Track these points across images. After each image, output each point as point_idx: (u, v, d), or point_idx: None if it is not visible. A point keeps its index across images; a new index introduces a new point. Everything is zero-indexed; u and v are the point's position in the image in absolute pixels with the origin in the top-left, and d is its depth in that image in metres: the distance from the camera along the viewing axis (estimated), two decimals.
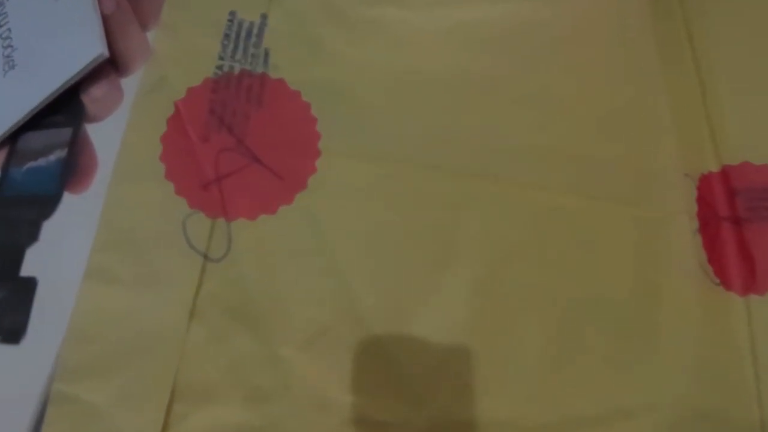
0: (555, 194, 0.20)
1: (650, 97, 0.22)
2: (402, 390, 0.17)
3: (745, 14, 0.24)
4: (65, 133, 0.20)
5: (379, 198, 0.18)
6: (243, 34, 0.20)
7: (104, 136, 0.20)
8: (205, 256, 0.18)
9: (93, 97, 0.20)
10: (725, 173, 0.23)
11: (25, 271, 0.18)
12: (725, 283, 0.21)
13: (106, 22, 0.21)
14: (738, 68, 0.23)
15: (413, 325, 0.17)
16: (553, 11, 0.22)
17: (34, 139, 0.20)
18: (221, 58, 0.20)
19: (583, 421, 0.17)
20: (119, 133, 0.19)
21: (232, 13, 0.20)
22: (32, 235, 0.18)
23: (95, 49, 0.20)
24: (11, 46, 0.21)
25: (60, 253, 0.18)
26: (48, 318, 0.18)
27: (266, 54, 0.20)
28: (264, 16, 0.20)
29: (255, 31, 0.20)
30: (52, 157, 0.20)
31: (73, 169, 0.19)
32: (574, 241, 0.19)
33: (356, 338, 0.17)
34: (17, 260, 0.18)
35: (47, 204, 0.19)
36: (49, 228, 0.19)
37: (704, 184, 0.22)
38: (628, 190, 0.20)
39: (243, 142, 0.19)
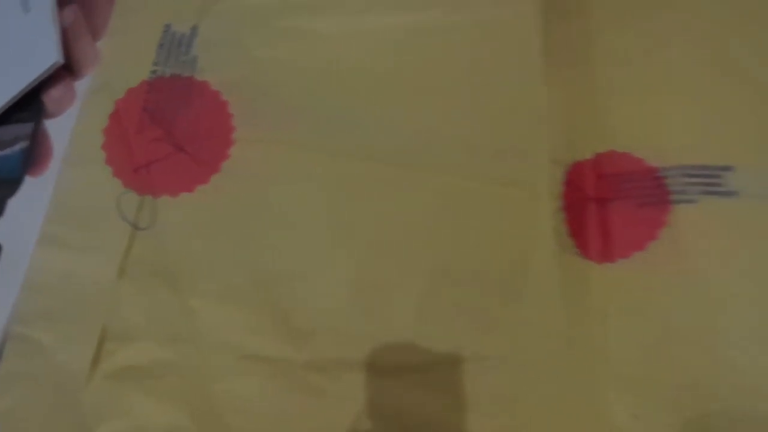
0: (440, 176, 0.23)
1: (532, 92, 0.25)
2: (289, 333, 0.20)
3: (631, 14, 0.27)
4: (28, 127, 0.24)
5: (284, 180, 0.22)
6: (175, 43, 0.24)
7: (59, 129, 0.24)
8: (134, 226, 0.22)
9: (51, 97, 0.24)
10: (597, 160, 0.26)
11: None
12: (585, 253, 0.24)
13: (64, 33, 0.25)
14: (622, 65, 0.26)
15: (306, 287, 0.21)
16: (452, 19, 0.26)
17: (2, 132, 0.24)
18: (156, 64, 0.24)
19: (441, 361, 0.21)
20: (71, 127, 0.24)
21: (167, 26, 0.24)
22: None
23: (53, 56, 0.25)
24: None
25: (20, 225, 0.22)
26: (9, 275, 0.22)
27: (194, 60, 0.24)
28: (194, 28, 0.24)
29: (185, 40, 0.24)
30: (17, 147, 0.24)
31: (33, 157, 0.23)
32: (453, 217, 0.23)
33: (257, 294, 0.21)
34: None
35: (12, 185, 0.23)
36: (12, 205, 0.23)
37: (576, 169, 0.26)
38: (503, 173, 0.24)
39: (170, 133, 0.23)
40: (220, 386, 0.20)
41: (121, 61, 0.24)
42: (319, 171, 0.22)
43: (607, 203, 0.25)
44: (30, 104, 0.25)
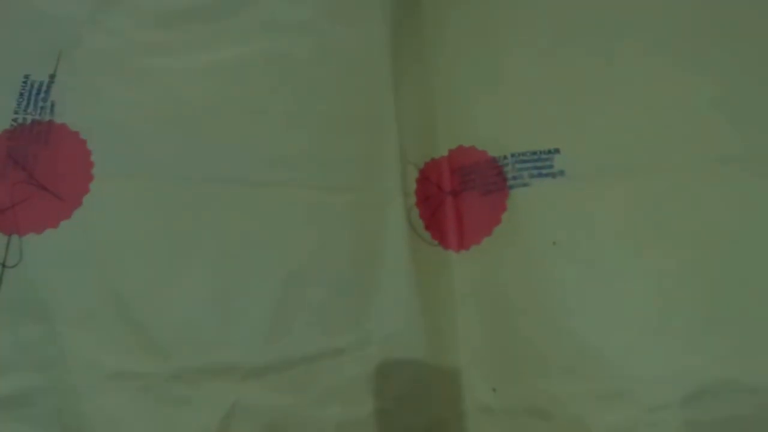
0: (289, 188, 0.25)
1: (380, 103, 0.27)
2: (151, 348, 0.22)
3: (481, 5, 0.29)
4: None
5: (140, 207, 0.24)
6: (34, 91, 0.25)
7: None
8: (2, 265, 0.23)
9: None
10: (450, 157, 0.28)
11: None
12: (444, 243, 0.26)
13: None
14: (461, 71, 0.29)
15: (163, 303, 0.22)
16: (299, 45, 0.28)
17: None
18: (16, 112, 0.25)
19: (299, 360, 0.22)
20: None
21: (26, 76, 0.26)
22: None
23: None
24: None
25: None
26: None
27: (52, 105, 0.25)
28: (52, 76, 0.26)
29: (44, 88, 0.25)
30: None
31: None
32: (304, 225, 0.24)
33: (119, 315, 0.22)
34: None
35: None
36: None
37: (430, 167, 0.28)
38: (354, 180, 0.26)
39: (32, 175, 0.24)
40: (92, 405, 0.21)
41: None
42: (170, 197, 0.24)
43: (459, 195, 0.27)
44: None
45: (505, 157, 0.26)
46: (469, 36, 0.29)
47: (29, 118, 0.25)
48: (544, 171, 0.25)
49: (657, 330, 0.21)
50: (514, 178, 0.26)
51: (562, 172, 0.25)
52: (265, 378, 0.22)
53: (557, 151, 0.25)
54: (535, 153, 0.25)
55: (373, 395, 0.23)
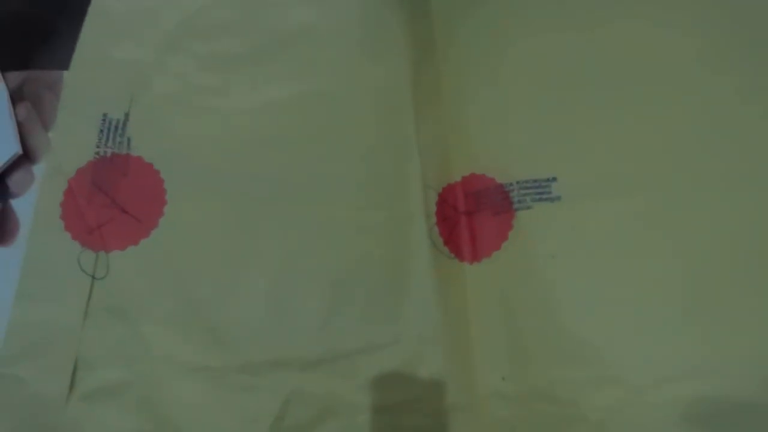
0: (331, 208, 0.29)
1: (404, 133, 0.32)
2: (221, 345, 0.26)
3: (490, 50, 0.34)
4: None
5: (208, 225, 0.28)
6: (112, 128, 0.30)
7: (23, 206, 0.29)
8: (93, 277, 0.27)
9: (14, 180, 0.29)
10: (463, 182, 0.33)
11: None
12: (459, 256, 0.31)
13: (20, 126, 0.30)
14: (472, 104, 0.33)
15: (230, 307, 0.27)
16: (332, 81, 0.32)
17: None
18: (98, 146, 0.29)
19: (345, 353, 0.27)
20: (33, 203, 0.29)
21: (105, 114, 0.30)
22: None
23: (13, 148, 0.30)
24: None
25: None
26: None
27: (129, 140, 0.30)
28: (127, 114, 0.30)
29: (120, 125, 0.30)
30: None
31: (3, 230, 0.28)
32: (343, 239, 0.29)
33: (193, 317, 0.27)
34: None
35: None
36: None
37: (447, 191, 0.32)
38: (384, 201, 0.30)
39: (114, 200, 0.28)
40: (172, 395, 0.26)
41: (69, 147, 0.29)
42: (232, 216, 0.28)
43: (473, 215, 0.32)
44: None
45: (511, 184, 0.31)
46: (479, 76, 0.34)
47: (109, 151, 0.30)
48: (544, 196, 0.30)
49: (641, 325, 0.26)
50: (519, 201, 0.30)
51: (559, 197, 0.29)
52: (317, 369, 0.26)
53: (555, 179, 0.30)
54: (536, 181, 0.30)
55: (403, 384, 0.27)
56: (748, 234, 0.26)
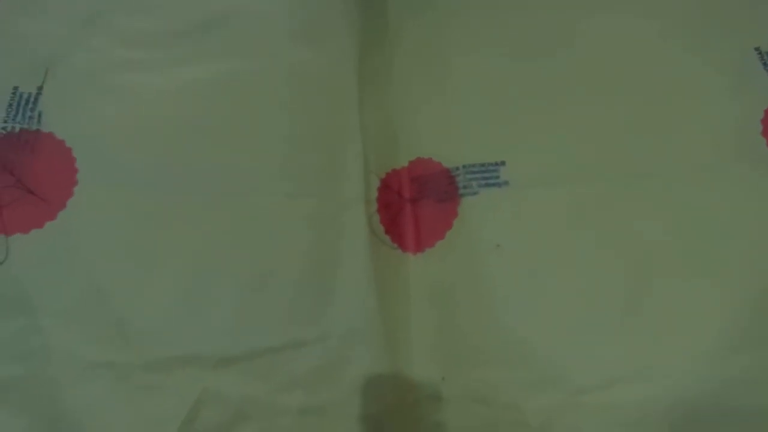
0: (258, 196, 0.27)
1: (346, 118, 0.30)
2: (126, 341, 0.23)
3: (440, 34, 0.32)
4: None
5: (120, 212, 0.26)
6: (23, 102, 0.27)
7: None
8: None
9: None
10: (410, 167, 0.30)
11: None
12: (401, 246, 0.29)
13: None
14: (418, 89, 0.31)
15: (139, 300, 0.24)
16: (268, 63, 0.30)
17: None
18: (5, 121, 0.27)
19: (264, 350, 0.24)
20: None
21: (15, 88, 0.28)
22: None
23: None
24: None
25: None
26: None
27: (40, 115, 0.27)
28: (39, 88, 0.28)
29: (32, 99, 0.27)
30: None
31: None
32: (272, 230, 0.26)
33: (98, 310, 0.24)
34: None
35: None
36: None
37: (391, 176, 0.30)
38: (318, 188, 0.28)
39: (20, 180, 0.26)
40: (70, 393, 0.23)
41: None
42: (148, 204, 0.26)
43: (417, 202, 0.30)
44: None
45: (457, 168, 0.29)
46: (426, 62, 0.32)
47: (18, 126, 0.27)
48: (491, 181, 0.28)
49: (582, 324, 0.24)
50: (465, 187, 0.28)
51: (506, 182, 0.27)
52: (232, 367, 0.24)
53: (503, 163, 0.28)
54: (483, 165, 0.28)
55: (332, 384, 0.25)
56: (692, 227, 0.25)
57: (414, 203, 0.30)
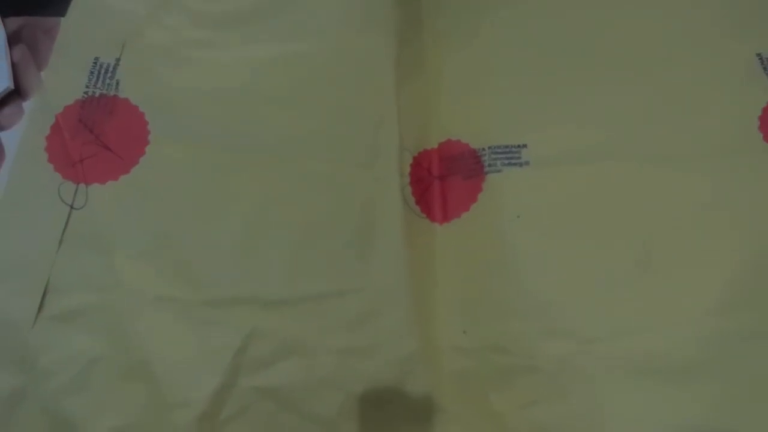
0: (310, 161, 0.30)
1: (385, 99, 0.33)
2: (189, 279, 0.27)
3: (470, 25, 0.35)
4: None
5: (187, 168, 0.29)
6: (102, 71, 0.31)
7: (11, 138, 0.30)
8: (71, 206, 0.28)
9: (4, 114, 0.30)
10: (440, 148, 0.34)
11: None
12: (430, 216, 0.32)
13: (14, 66, 0.31)
14: (449, 77, 0.34)
15: (201, 245, 0.27)
16: (319, 46, 0.33)
17: None
18: (87, 87, 0.31)
19: (309, 296, 0.27)
20: (20, 136, 0.30)
21: (96, 58, 0.31)
22: None
23: (4, 83, 0.31)
24: None
25: None
26: None
27: (117, 83, 0.31)
28: (117, 59, 0.31)
29: (111, 69, 0.31)
30: None
31: None
32: (318, 191, 0.30)
33: (164, 253, 0.27)
34: None
35: None
36: None
37: (423, 155, 0.33)
38: (359, 159, 0.31)
39: (99, 137, 0.29)
40: (137, 323, 0.26)
41: (59, 85, 0.31)
42: (212, 160, 0.29)
43: (445, 179, 0.33)
44: None
45: (483, 149, 0.32)
46: (459, 49, 0.35)
47: (98, 92, 0.31)
48: (513, 161, 0.31)
49: (592, 283, 0.27)
50: (490, 165, 0.31)
51: (527, 162, 0.31)
52: (280, 309, 0.27)
53: (525, 146, 0.31)
54: (507, 146, 0.31)
55: (365, 330, 0.28)
56: (697, 202, 0.28)
57: (442, 180, 0.33)
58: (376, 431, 0.26)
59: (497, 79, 0.33)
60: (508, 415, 0.26)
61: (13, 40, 0.33)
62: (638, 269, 0.27)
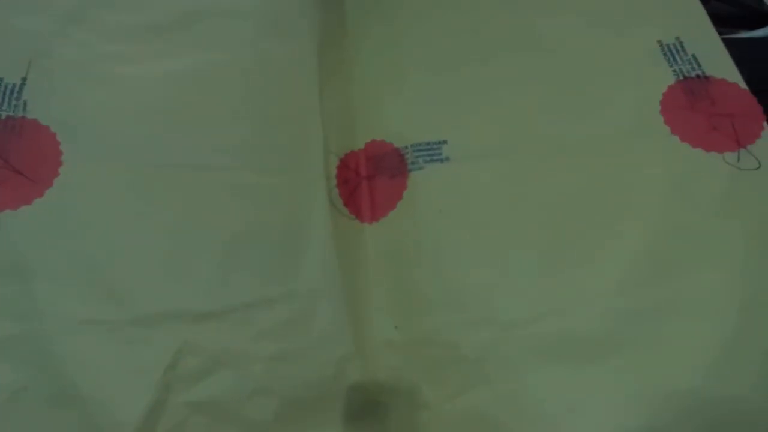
0: (234, 172, 0.30)
1: (308, 104, 0.33)
2: (114, 299, 0.26)
3: (392, 31, 0.36)
4: None
5: (103, 187, 0.28)
6: (8, 92, 0.30)
7: None
8: None
9: None
10: (366, 149, 0.34)
11: None
12: (359, 217, 0.32)
13: None
14: (372, 78, 0.35)
15: (125, 264, 0.27)
16: (239, 54, 0.33)
17: None
18: None
19: (238, 306, 0.27)
20: None
21: (0, 78, 0.30)
22: None
23: None
24: None
25: None
26: None
27: (24, 104, 0.30)
28: (24, 79, 0.30)
29: (16, 89, 0.30)
30: None
31: None
32: (242, 200, 0.30)
33: (87, 274, 0.27)
34: None
35: None
36: None
37: (350, 156, 0.34)
38: (285, 165, 0.31)
39: (7, 161, 0.28)
40: (64, 348, 0.26)
41: None
42: (131, 177, 0.29)
43: (373, 178, 0.33)
44: None
45: (406, 147, 0.33)
46: (379, 52, 0.36)
47: (3, 114, 0.29)
48: (435, 157, 0.32)
49: (510, 270, 0.28)
50: (413, 163, 0.32)
51: (447, 158, 0.32)
52: (209, 321, 0.27)
53: (445, 141, 0.32)
54: (428, 143, 0.32)
55: (298, 335, 0.28)
56: (604, 185, 0.29)
57: (370, 179, 0.33)
58: None
59: (416, 76, 0.34)
60: (441, 405, 0.27)
61: None
62: (550, 255, 0.28)
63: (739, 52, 0.33)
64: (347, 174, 0.33)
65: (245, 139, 0.31)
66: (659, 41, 0.34)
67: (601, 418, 0.25)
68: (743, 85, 0.32)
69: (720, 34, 0.35)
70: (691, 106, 0.32)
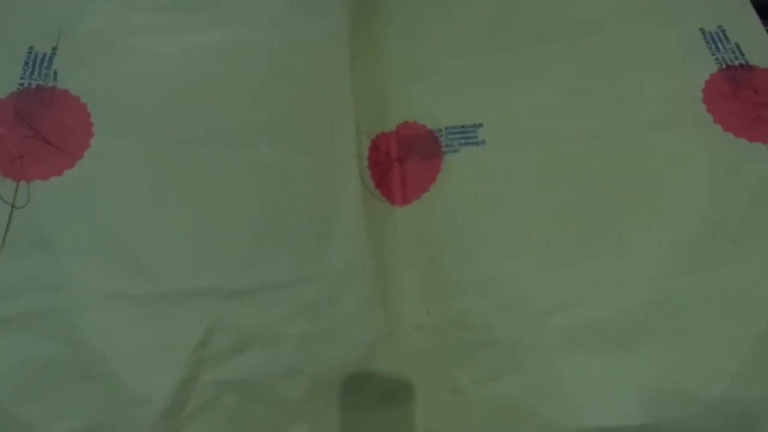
0: (265, 150, 0.29)
1: (339, 84, 0.32)
2: (141, 274, 0.26)
3: (425, 9, 0.35)
4: None
5: (133, 160, 0.28)
6: (38, 61, 0.29)
7: None
8: (12, 205, 0.26)
9: None
10: (397, 131, 0.33)
11: None
12: (390, 199, 0.32)
13: None
14: (405, 59, 0.35)
15: (153, 239, 0.26)
16: (268, 32, 0.32)
17: None
18: (22, 78, 0.29)
19: (269, 285, 0.27)
20: None
21: (31, 48, 0.30)
22: None
23: None
24: None
25: None
26: None
27: (55, 74, 0.29)
28: (54, 48, 0.30)
29: (47, 59, 0.30)
30: None
31: None
32: (274, 178, 0.29)
33: (114, 248, 0.26)
34: None
35: None
36: None
37: (381, 138, 0.33)
38: (316, 144, 0.31)
39: (39, 131, 0.28)
40: (91, 323, 0.25)
41: None
42: (161, 152, 0.28)
43: (404, 161, 0.33)
44: None
45: (440, 130, 0.32)
46: (409, 35, 0.35)
47: (34, 83, 0.29)
48: (470, 140, 0.31)
49: (545, 258, 0.28)
50: (447, 146, 0.31)
51: (484, 142, 0.31)
52: (240, 299, 0.27)
53: (481, 125, 0.31)
54: (464, 126, 0.31)
55: (329, 315, 0.28)
56: (642, 174, 0.28)
57: (401, 162, 0.33)
58: (343, 414, 0.26)
59: (451, 60, 0.34)
60: (471, 389, 0.27)
61: None
62: (585, 243, 0.28)
63: None
64: (378, 156, 0.32)
65: (276, 116, 0.31)
66: (701, 29, 0.33)
67: (632, 408, 0.25)
68: None
69: (764, 25, 0.34)
70: (734, 95, 0.31)
